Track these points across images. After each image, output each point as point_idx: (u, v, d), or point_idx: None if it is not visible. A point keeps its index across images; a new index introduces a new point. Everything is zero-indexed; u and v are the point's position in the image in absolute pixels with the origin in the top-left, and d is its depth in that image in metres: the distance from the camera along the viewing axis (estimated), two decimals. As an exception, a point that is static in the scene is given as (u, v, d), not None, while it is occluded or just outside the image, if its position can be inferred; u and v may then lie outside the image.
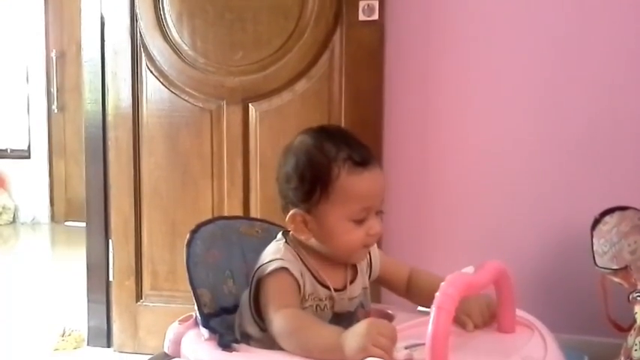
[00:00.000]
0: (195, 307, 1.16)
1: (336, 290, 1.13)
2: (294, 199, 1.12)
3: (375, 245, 1.21)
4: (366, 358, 0.90)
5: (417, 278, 1.23)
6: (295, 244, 1.15)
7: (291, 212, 1.12)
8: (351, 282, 1.17)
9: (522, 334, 1.05)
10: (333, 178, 1.08)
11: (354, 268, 1.19)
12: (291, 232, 1.15)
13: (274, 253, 1.12)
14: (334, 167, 1.08)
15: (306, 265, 1.12)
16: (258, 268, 1.11)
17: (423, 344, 0.87)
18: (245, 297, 1.16)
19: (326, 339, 0.97)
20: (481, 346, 1.02)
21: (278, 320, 1.03)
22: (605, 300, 1.77)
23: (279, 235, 1.18)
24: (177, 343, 1.15)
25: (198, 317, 1.15)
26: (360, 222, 1.09)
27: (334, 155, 1.08)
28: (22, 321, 2.65)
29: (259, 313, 1.11)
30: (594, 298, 1.80)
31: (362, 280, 1.19)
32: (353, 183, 1.08)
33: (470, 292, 0.92)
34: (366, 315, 1.17)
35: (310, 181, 1.09)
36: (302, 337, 1.00)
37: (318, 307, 1.11)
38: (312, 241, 1.13)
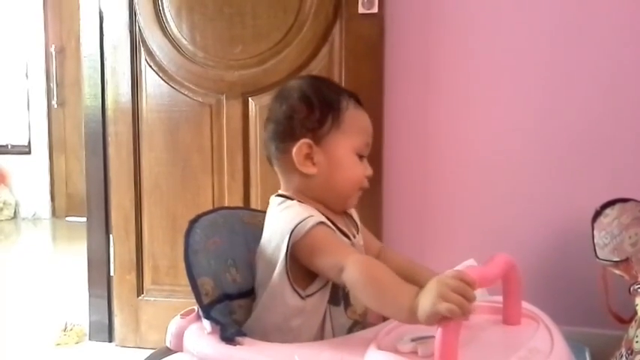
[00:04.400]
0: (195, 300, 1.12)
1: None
2: (303, 130, 1.11)
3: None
4: (437, 319, 0.83)
5: (384, 255, 1.24)
6: (303, 200, 1.12)
7: (299, 142, 1.10)
8: (355, 234, 1.18)
9: (528, 326, 1.05)
10: (343, 108, 1.13)
11: (354, 223, 1.21)
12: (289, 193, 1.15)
13: (301, 212, 1.06)
14: (343, 99, 1.13)
15: (327, 217, 1.10)
16: (292, 231, 1.04)
17: (431, 337, 0.84)
18: (270, 276, 1.09)
19: (403, 298, 0.90)
20: (487, 339, 1.01)
21: (353, 267, 0.97)
22: (606, 292, 1.77)
23: (278, 199, 1.14)
24: (179, 337, 1.13)
25: (199, 310, 1.12)
26: (360, 159, 1.15)
27: (340, 90, 1.17)
28: (23, 316, 2.66)
29: (297, 282, 1.06)
30: (595, 291, 1.80)
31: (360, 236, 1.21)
32: (359, 116, 1.16)
33: (480, 286, 0.90)
34: None
35: (321, 108, 1.12)
36: (379, 289, 0.95)
37: None
38: (312, 183, 1.12)
